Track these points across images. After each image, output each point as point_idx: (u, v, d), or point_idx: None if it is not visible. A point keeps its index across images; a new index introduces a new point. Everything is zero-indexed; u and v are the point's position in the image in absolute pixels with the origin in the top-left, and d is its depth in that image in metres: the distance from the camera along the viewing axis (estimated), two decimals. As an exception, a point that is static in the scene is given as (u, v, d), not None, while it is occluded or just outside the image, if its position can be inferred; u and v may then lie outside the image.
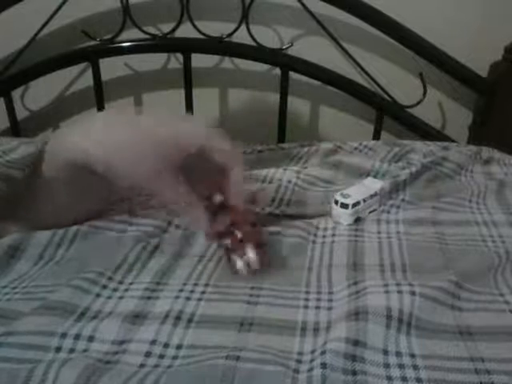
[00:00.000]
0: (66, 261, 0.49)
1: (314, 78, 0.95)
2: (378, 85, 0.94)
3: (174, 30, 0.91)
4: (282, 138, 1.00)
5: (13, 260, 0.48)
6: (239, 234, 0.47)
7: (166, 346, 0.39)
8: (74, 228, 0.52)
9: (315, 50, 0.96)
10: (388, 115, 0.96)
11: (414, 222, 0.57)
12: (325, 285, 0.47)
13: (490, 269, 0.48)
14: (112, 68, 0.99)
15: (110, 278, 0.45)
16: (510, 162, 0.75)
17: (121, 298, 0.43)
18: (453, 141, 0.95)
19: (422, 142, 0.82)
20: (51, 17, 0.88)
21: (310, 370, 0.36)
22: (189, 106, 0.98)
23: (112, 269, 0.47)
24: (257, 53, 0.93)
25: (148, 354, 0.38)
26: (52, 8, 0.88)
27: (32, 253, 0.49)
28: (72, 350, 0.37)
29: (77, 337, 0.38)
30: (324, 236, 0.55)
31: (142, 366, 0.37)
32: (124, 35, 0.91)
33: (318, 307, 0.43)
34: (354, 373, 0.36)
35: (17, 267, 0.47)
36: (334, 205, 0.57)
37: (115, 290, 0.44)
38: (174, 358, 0.38)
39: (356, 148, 0.77)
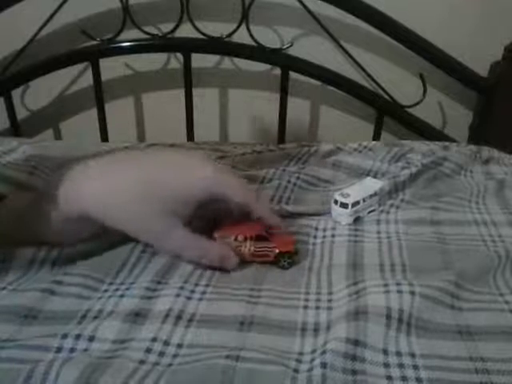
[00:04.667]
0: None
1: (314, 78, 0.95)
2: (378, 85, 0.94)
3: (174, 30, 0.91)
4: (281, 139, 1.00)
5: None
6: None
7: (167, 343, 0.39)
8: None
9: (315, 49, 0.96)
10: (388, 115, 0.96)
11: (414, 221, 0.57)
12: (324, 285, 0.47)
13: (490, 269, 0.48)
14: (112, 68, 0.99)
15: (110, 284, 0.46)
16: (510, 162, 0.75)
17: (122, 296, 0.43)
18: (453, 141, 0.95)
19: (421, 141, 0.82)
20: (51, 17, 0.88)
21: (310, 369, 0.36)
22: (189, 106, 0.98)
23: (113, 274, 0.47)
24: (257, 53, 0.93)
25: (148, 350, 0.38)
26: (52, 8, 0.88)
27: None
28: (73, 350, 0.37)
29: (77, 337, 0.38)
30: (324, 236, 0.55)
31: (142, 362, 0.37)
32: (124, 35, 0.91)
33: (317, 307, 0.44)
34: (354, 372, 0.36)
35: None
36: (333, 204, 0.57)
37: (117, 289, 0.44)
38: (175, 356, 0.38)
39: (355, 149, 0.77)
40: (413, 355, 0.38)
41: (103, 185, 0.45)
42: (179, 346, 0.39)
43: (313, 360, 0.37)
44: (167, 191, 0.44)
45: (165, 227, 0.45)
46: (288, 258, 0.48)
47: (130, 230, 0.45)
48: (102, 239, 0.50)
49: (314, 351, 0.38)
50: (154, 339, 0.39)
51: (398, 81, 0.97)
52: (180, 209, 0.45)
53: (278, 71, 0.95)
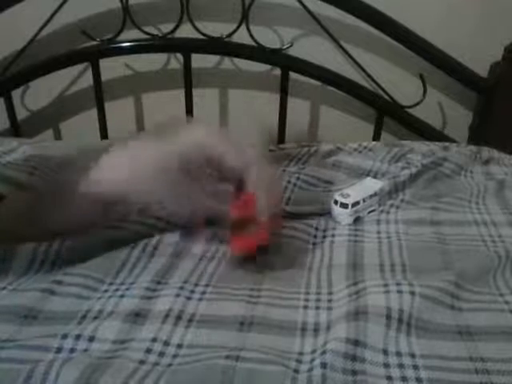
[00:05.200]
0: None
1: (314, 78, 0.95)
2: (378, 85, 0.94)
3: (173, 30, 0.91)
4: (281, 139, 1.00)
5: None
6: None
7: (167, 344, 0.39)
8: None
9: (315, 50, 0.96)
10: (388, 115, 0.96)
11: (414, 222, 0.57)
12: (324, 285, 0.47)
13: (490, 269, 0.48)
14: (112, 68, 0.99)
15: (110, 284, 0.46)
16: (510, 162, 0.75)
17: (122, 296, 0.43)
18: (453, 141, 0.95)
19: (421, 142, 0.82)
20: (51, 17, 0.88)
21: (310, 369, 0.36)
22: (189, 106, 0.98)
23: (113, 274, 0.47)
24: (257, 53, 0.93)
25: (148, 351, 0.38)
26: (52, 8, 0.88)
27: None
28: (73, 350, 0.37)
29: (77, 337, 0.38)
30: (324, 236, 0.55)
31: (142, 362, 0.37)
32: (124, 35, 0.91)
33: (317, 307, 0.44)
34: (354, 373, 0.36)
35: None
36: (333, 205, 0.57)
37: (116, 290, 0.45)
38: (174, 356, 0.38)
39: (355, 149, 0.77)
40: (413, 355, 0.38)
41: (123, 169, 0.47)
42: (179, 346, 0.39)
43: (313, 360, 0.37)
44: (171, 159, 0.46)
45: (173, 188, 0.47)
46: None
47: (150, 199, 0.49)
48: (103, 235, 0.50)
49: (314, 351, 0.38)
50: (154, 339, 0.39)
51: (398, 81, 0.97)
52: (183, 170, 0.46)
53: (278, 71, 0.95)
